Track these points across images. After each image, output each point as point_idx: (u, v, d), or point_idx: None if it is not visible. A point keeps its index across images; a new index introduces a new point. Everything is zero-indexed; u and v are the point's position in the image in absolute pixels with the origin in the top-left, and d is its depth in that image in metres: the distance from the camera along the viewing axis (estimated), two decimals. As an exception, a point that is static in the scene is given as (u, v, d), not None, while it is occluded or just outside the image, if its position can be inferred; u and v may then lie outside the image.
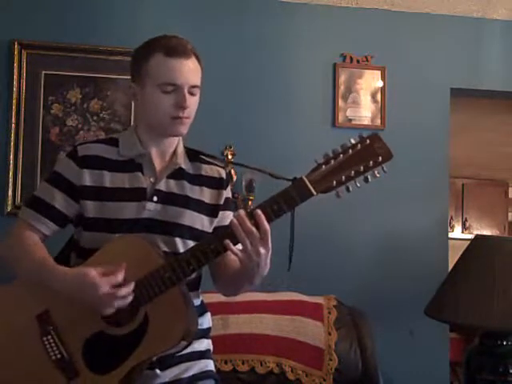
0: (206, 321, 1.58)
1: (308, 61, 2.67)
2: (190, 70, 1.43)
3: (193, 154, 1.56)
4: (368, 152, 1.26)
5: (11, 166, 2.42)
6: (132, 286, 1.30)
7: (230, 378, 2.04)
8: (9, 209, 2.40)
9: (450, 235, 3.11)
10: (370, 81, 2.70)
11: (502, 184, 6.62)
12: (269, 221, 1.29)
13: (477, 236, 2.45)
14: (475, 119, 4.28)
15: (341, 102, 2.67)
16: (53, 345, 1.38)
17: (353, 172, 1.26)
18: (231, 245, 1.28)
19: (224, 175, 1.57)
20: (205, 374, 1.51)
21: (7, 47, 2.44)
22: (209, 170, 1.55)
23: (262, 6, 2.64)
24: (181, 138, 1.55)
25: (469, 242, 2.40)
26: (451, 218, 6.20)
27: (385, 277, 2.64)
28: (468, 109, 3.74)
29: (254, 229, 1.27)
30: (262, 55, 2.64)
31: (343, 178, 1.27)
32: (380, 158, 1.26)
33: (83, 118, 2.49)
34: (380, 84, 2.70)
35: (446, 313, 2.27)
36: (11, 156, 2.42)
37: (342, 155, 1.27)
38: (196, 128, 2.38)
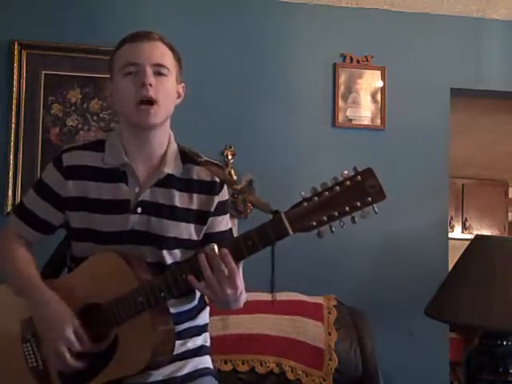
0: (203, 318, 1.56)
1: (308, 61, 2.67)
2: (152, 50, 1.38)
3: (186, 155, 1.47)
4: (357, 190, 1.14)
5: (11, 166, 2.42)
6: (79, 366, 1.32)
7: (230, 377, 2.04)
8: (9, 209, 2.39)
9: (450, 235, 3.11)
10: (370, 81, 2.70)
11: (502, 184, 6.62)
12: (242, 257, 1.24)
13: (477, 236, 2.45)
14: (475, 119, 4.28)
15: (341, 102, 2.67)
16: (31, 352, 1.39)
17: (336, 212, 1.15)
18: (196, 281, 1.24)
19: (217, 178, 1.45)
20: (199, 372, 1.49)
21: (7, 47, 2.44)
22: (201, 173, 1.45)
23: (262, 6, 2.64)
24: (172, 137, 1.48)
25: (469, 242, 2.40)
26: (451, 218, 6.20)
27: (385, 277, 2.64)
28: (468, 109, 3.74)
29: (222, 266, 1.22)
30: (261, 55, 2.63)
31: (324, 217, 1.15)
32: (369, 199, 1.13)
33: (83, 117, 2.49)
34: (380, 84, 2.70)
35: (446, 313, 2.27)
36: (11, 156, 2.42)
37: (327, 192, 1.15)
38: (196, 128, 2.39)
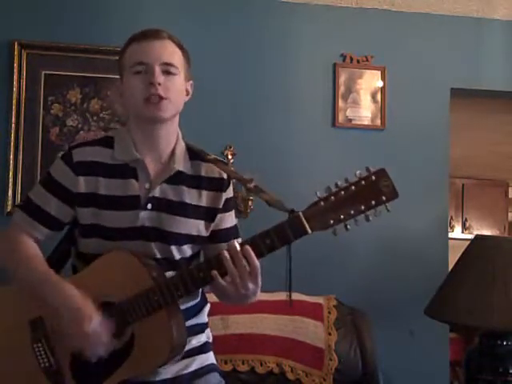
0: (204, 316, 1.57)
1: (308, 61, 2.66)
2: (161, 49, 1.39)
3: (194, 152, 1.50)
4: (372, 190, 1.20)
5: (11, 166, 2.41)
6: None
7: (229, 378, 2.03)
8: (9, 209, 2.39)
9: (450, 235, 3.11)
10: (370, 81, 2.70)
11: (501, 184, 6.62)
12: (261, 255, 1.26)
13: (477, 236, 2.45)
14: (475, 119, 4.28)
15: (341, 102, 2.66)
16: (42, 352, 1.39)
17: (352, 211, 1.20)
18: (219, 277, 1.26)
19: (225, 175, 1.50)
20: (206, 369, 1.51)
21: (7, 47, 2.43)
22: (209, 170, 1.49)
23: (262, 5, 2.64)
24: (180, 136, 1.50)
25: (469, 242, 2.40)
26: (451, 218, 6.20)
27: (385, 277, 2.64)
28: (468, 109, 3.74)
29: (244, 262, 1.24)
30: (262, 55, 2.63)
31: (341, 216, 1.21)
32: (384, 198, 1.20)
33: (83, 117, 2.49)
34: (380, 84, 2.70)
35: (446, 313, 2.27)
36: (11, 156, 2.42)
37: (343, 192, 1.20)
38: (196, 128, 2.39)
